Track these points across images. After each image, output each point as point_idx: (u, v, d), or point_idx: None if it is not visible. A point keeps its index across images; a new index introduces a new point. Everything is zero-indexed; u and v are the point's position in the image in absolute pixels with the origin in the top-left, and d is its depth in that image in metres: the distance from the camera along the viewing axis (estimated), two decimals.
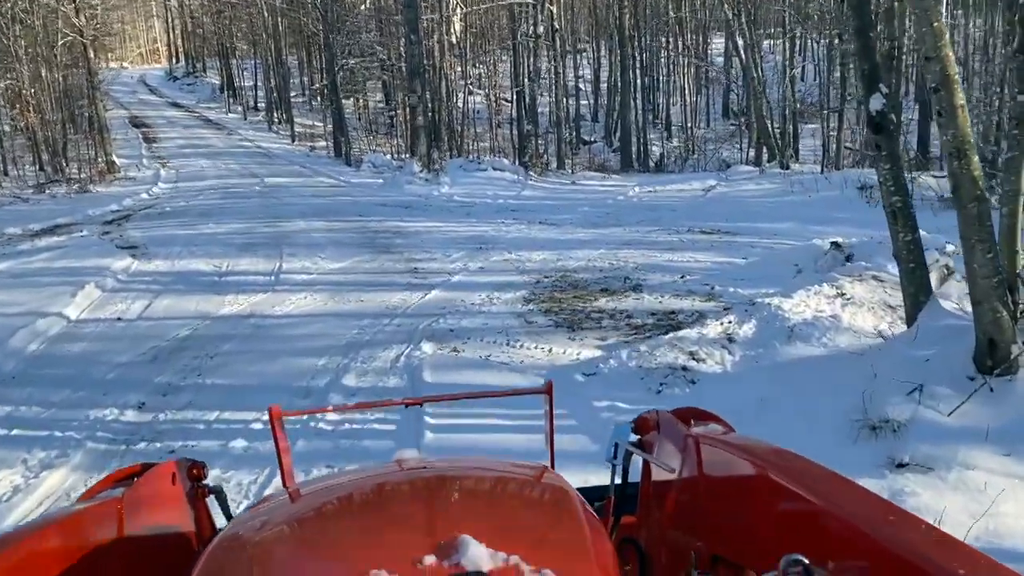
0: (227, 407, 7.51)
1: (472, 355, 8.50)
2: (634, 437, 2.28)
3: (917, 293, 6.71)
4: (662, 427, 2.16)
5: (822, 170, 20.90)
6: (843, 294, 8.19)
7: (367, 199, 19.76)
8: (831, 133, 22.47)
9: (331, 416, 7.02)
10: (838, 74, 23.94)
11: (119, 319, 10.56)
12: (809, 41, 32.67)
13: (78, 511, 1.71)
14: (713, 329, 7.91)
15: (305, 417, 6.96)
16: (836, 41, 23.45)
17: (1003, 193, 5.76)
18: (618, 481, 2.22)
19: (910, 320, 6.76)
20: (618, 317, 9.62)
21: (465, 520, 1.41)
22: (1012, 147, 5.76)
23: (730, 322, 7.99)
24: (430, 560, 1.27)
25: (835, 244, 10.77)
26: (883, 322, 7.80)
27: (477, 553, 1.26)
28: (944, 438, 5.42)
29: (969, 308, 7.49)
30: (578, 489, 1.85)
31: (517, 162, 24.01)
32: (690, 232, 14.85)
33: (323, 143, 29.97)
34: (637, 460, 2.20)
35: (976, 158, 5.60)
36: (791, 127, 24.02)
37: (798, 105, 25.96)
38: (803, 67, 32.18)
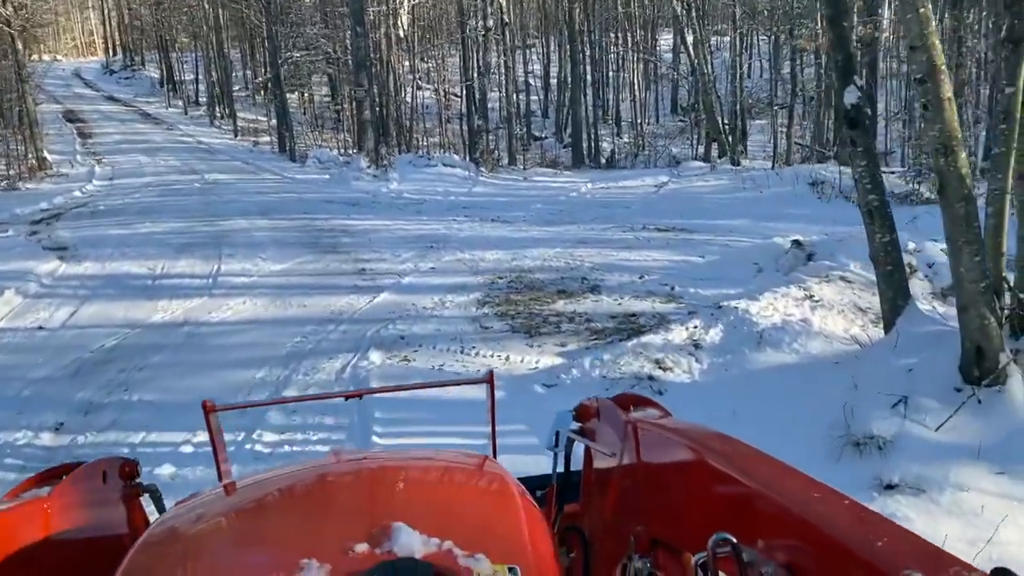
0: (154, 427, 6.81)
1: (424, 365, 7.92)
2: (576, 425, 2.27)
3: (895, 297, 6.32)
4: (602, 414, 2.17)
5: (773, 166, 20.71)
6: (812, 296, 7.80)
7: (312, 196, 18.96)
8: (781, 129, 22.31)
9: (269, 437, 6.41)
10: (787, 70, 23.83)
11: (40, 328, 9.72)
12: (757, 37, 32.65)
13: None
14: (679, 335, 7.45)
15: (240, 437, 6.34)
16: (784, 37, 23.31)
17: (989, 192, 5.38)
18: (561, 469, 2.20)
19: (888, 325, 6.37)
20: (577, 321, 9.12)
21: (400, 508, 1.43)
22: (998, 143, 5.39)
23: (696, 327, 7.54)
24: (362, 548, 1.28)
25: (796, 243, 10.42)
26: (854, 326, 7.42)
27: (410, 540, 1.28)
28: (934, 456, 5.01)
29: (942, 309, 7.16)
30: (522, 478, 1.88)
31: (468, 158, 23.39)
32: (645, 229, 14.44)
33: (267, 138, 28.95)
34: (580, 448, 2.18)
35: (964, 155, 5.21)
36: (740, 123, 23.81)
37: (749, 101, 25.83)
38: (750, 64, 32.11)
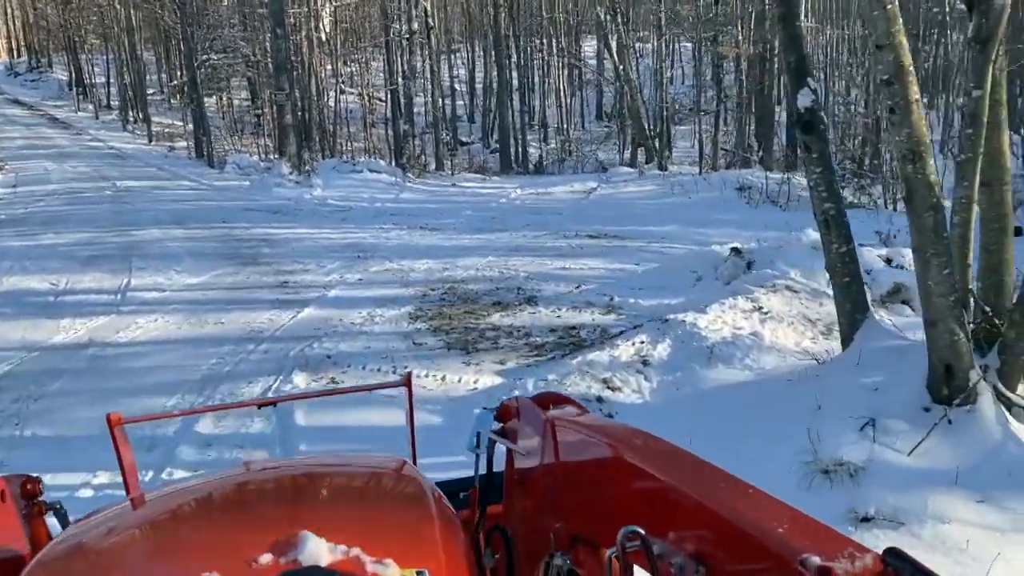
0: (49, 466, 5.96)
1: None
2: (497, 425, 2.26)
3: (853, 310, 5.96)
4: (522, 413, 2.18)
5: (700, 171, 20.59)
6: (760, 308, 7.43)
7: (231, 203, 17.95)
8: (706, 134, 22.26)
9: (181, 475, 5.67)
10: (711, 76, 23.83)
11: None
12: (679, 44, 32.78)
13: None
14: (625, 351, 6.97)
15: (148, 477, 5.59)
16: (708, 44, 23.30)
17: (955, 200, 5.04)
18: (483, 471, 2.21)
19: (846, 340, 6.00)
20: (516, 335, 8.58)
21: (309, 517, 1.45)
22: (964, 148, 5.06)
23: (643, 342, 7.08)
24: (266, 559, 1.28)
25: (735, 250, 10.09)
26: (805, 338, 7.08)
27: (316, 548, 1.27)
28: (909, 484, 4.63)
29: (888, 318, 6.85)
30: (444, 481, 2.00)
31: (394, 163, 22.64)
32: (578, 236, 14.00)
33: (183, 144, 27.60)
34: (503, 448, 2.18)
35: (932, 161, 4.85)
36: (665, 129, 23.68)
37: (676, 107, 25.79)
38: (672, 72, 32.18)
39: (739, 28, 21.44)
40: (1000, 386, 4.99)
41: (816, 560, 1.08)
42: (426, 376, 7.50)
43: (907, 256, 10.51)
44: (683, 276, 10.16)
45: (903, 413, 5.06)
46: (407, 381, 2.51)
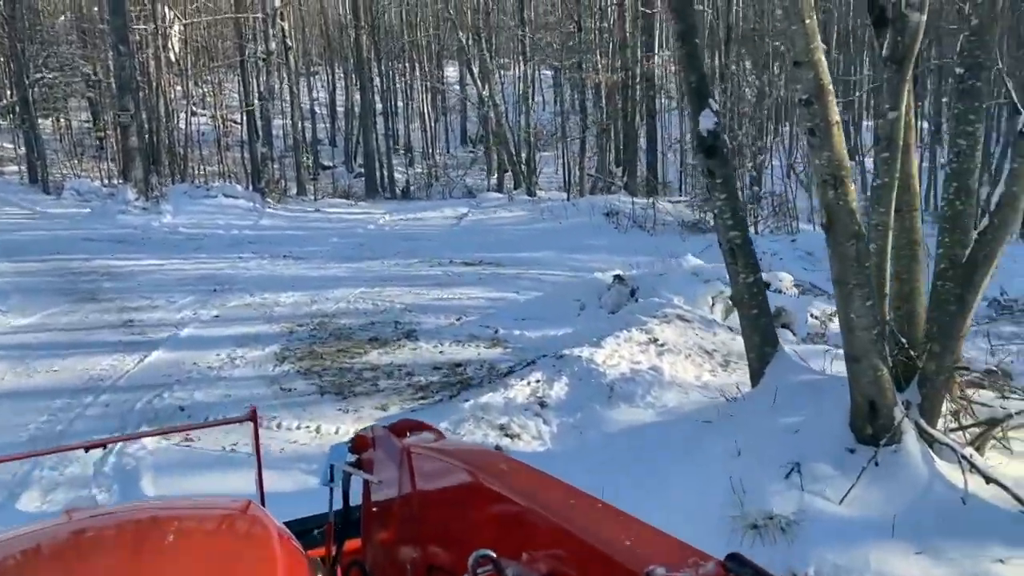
0: None
1: (211, 445, 6.25)
2: (353, 457, 2.20)
3: (763, 344, 5.57)
4: (378, 443, 2.12)
5: (568, 197, 20.43)
6: (656, 340, 6.99)
7: (69, 233, 16.15)
8: (574, 159, 22.18)
9: None
10: (573, 101, 23.84)
11: None
12: (539, 71, 32.86)
13: None
14: (520, 392, 6.34)
15: None
16: (572, 70, 23.30)
17: (871, 227, 4.72)
18: (340, 506, 2.13)
19: (755, 376, 5.60)
20: (397, 375, 7.78)
21: (146, 568, 1.38)
22: (881, 172, 4.75)
23: (538, 381, 6.47)
24: None
25: (618, 278, 9.72)
26: (704, 371, 6.67)
27: None
28: (845, 537, 4.20)
29: (787, 348, 6.54)
30: (298, 519, 2.13)
31: (252, 188, 21.24)
32: (454, 264, 13.35)
33: (14, 168, 24.98)
34: (360, 481, 2.10)
35: (852, 186, 4.50)
36: (531, 154, 23.45)
37: (542, 132, 25.68)
38: (536, 98, 32.20)
39: (599, 56, 21.51)
40: (922, 422, 4.69)
41: (661, 571, 1.13)
42: (297, 428, 6.60)
43: (784, 280, 10.48)
44: (566, 305, 9.68)
45: (828, 456, 4.66)
46: (252, 415, 2.37)
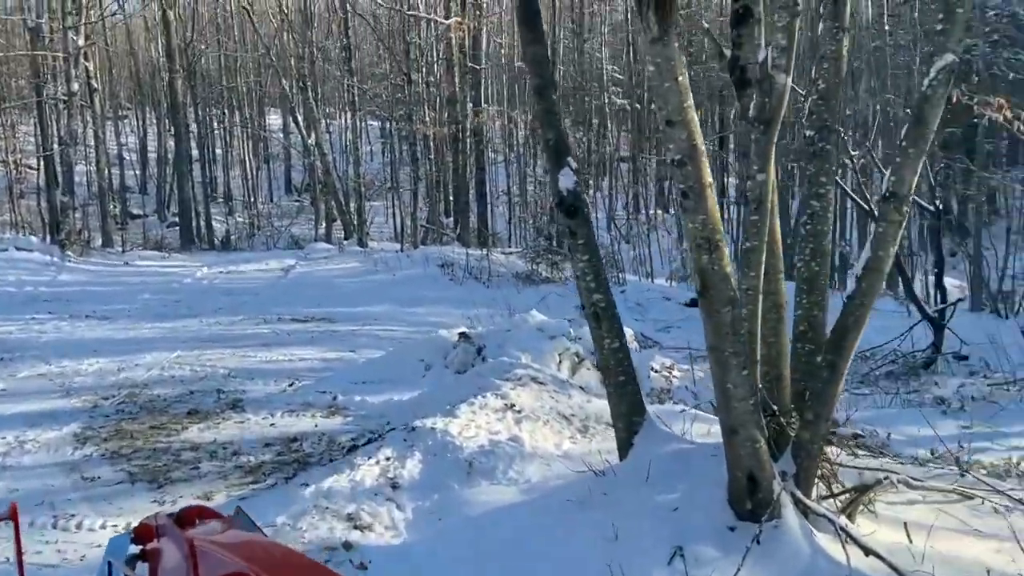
0: None
1: None
2: (136, 548, 2.10)
3: (630, 413, 5.22)
4: (163, 533, 2.06)
5: (402, 248, 19.83)
6: (512, 405, 6.50)
7: None
8: (405, 210, 21.66)
9: None
10: (403, 152, 23.41)
11: None
12: (365, 122, 32.24)
13: None
14: (369, 473, 5.63)
15: None
16: (400, 121, 22.90)
17: (742, 292, 4.49)
18: None
19: (623, 447, 5.23)
20: (221, 455, 6.81)
21: None
22: (750, 235, 4.55)
23: (388, 459, 5.79)
24: None
25: (464, 335, 9.21)
26: (564, 439, 6.24)
27: None
28: None
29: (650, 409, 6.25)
30: None
31: (50, 240, 19.04)
32: (282, 321, 12.35)
33: None
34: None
35: (727, 250, 4.25)
36: (361, 204, 22.69)
37: (373, 182, 25.00)
38: (364, 148, 31.53)
39: (427, 109, 21.26)
40: (799, 494, 4.47)
41: None
42: (102, 527, 5.52)
43: (626, 333, 10.38)
44: (410, 365, 9.04)
45: (710, 536, 4.33)
46: (12, 513, 2.34)
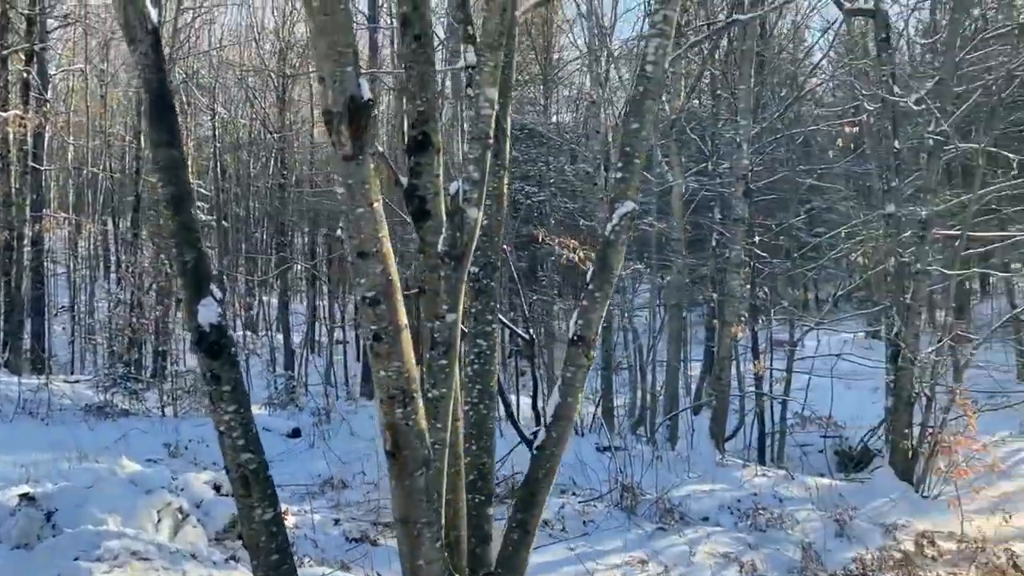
0: None
1: None
2: None
3: None
4: None
5: None
6: None
7: None
8: None
9: None
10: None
11: None
12: None
13: None
14: None
15: None
16: None
17: (430, 448, 3.83)
18: None
19: None
20: None
21: None
22: (439, 383, 3.94)
23: None
24: None
25: (27, 497, 7.05)
26: None
27: None
28: None
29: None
30: None
31: None
32: None
33: None
34: None
35: (422, 403, 3.58)
36: None
37: None
38: None
39: None
40: None
41: None
42: None
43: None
44: None
45: None
46: None
